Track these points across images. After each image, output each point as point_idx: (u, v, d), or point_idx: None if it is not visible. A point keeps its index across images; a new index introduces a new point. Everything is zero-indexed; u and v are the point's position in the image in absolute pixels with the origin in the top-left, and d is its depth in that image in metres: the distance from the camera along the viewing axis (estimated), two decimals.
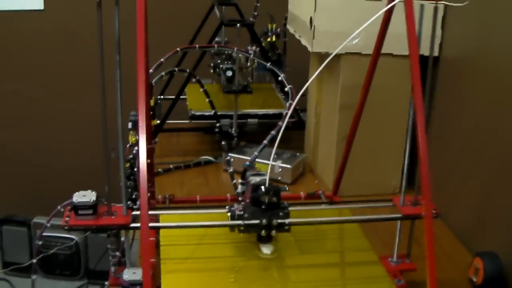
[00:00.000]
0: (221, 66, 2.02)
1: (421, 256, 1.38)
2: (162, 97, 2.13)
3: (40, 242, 1.36)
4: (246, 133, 2.07)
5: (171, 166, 1.95)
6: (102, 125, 1.21)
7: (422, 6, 1.26)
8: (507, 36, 1.43)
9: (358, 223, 1.41)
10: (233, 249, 1.32)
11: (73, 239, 2.69)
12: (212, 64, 2.11)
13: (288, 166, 1.86)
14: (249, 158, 1.83)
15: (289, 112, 1.32)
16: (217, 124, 2.00)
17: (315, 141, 1.96)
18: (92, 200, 1.19)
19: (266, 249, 1.29)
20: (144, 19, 1.12)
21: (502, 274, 1.38)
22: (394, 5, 1.25)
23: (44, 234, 2.64)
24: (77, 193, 1.21)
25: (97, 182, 1.30)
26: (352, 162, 1.53)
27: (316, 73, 1.30)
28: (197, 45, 1.79)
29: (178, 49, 1.69)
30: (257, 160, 1.76)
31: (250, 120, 2.07)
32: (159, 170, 1.92)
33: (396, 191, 1.83)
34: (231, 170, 1.67)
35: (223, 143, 1.79)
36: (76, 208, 1.20)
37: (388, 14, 1.29)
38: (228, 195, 1.64)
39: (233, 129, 2.02)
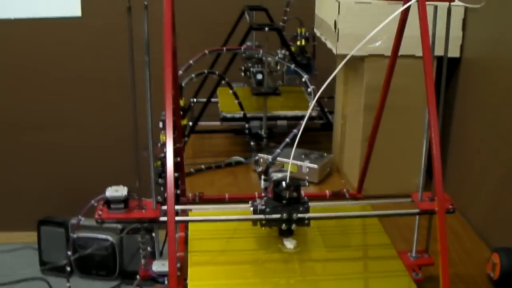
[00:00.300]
0: (251, 69, 2.09)
1: (439, 252, 1.43)
2: (195, 100, 2.20)
3: (75, 235, 1.43)
4: (276, 134, 2.12)
5: (202, 166, 2.01)
6: (132, 124, 1.28)
7: (435, 7, 1.31)
8: None
9: (378, 218, 1.46)
10: (257, 243, 1.38)
11: (109, 240, 2.76)
12: (243, 68, 2.17)
13: (315, 166, 1.92)
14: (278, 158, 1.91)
15: (309, 110, 1.38)
16: (247, 126, 2.06)
17: (341, 142, 2.01)
18: (123, 195, 1.27)
19: (289, 244, 1.35)
20: (171, 21, 1.18)
21: None
22: (409, 6, 1.30)
23: (81, 235, 2.75)
24: (109, 187, 1.28)
25: (130, 182, 1.36)
26: (375, 162, 1.58)
27: (335, 71, 1.35)
28: (224, 47, 1.86)
29: (206, 51, 1.76)
30: (283, 159, 1.84)
31: (279, 122, 2.13)
32: (191, 170, 1.99)
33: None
34: (260, 169, 1.73)
35: (251, 143, 1.86)
36: (109, 202, 1.27)
37: (404, 15, 1.34)
38: (256, 193, 1.69)
39: (263, 130, 2.08)
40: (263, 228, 1.29)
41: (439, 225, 1.18)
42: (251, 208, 1.28)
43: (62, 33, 2.91)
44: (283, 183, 1.27)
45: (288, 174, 1.29)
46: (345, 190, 1.70)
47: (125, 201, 1.28)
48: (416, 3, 1.25)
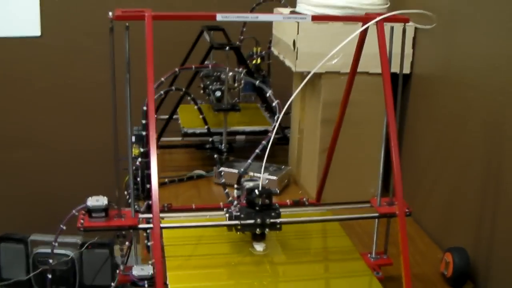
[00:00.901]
0: (210, 87, 2.18)
1: (396, 254, 1.55)
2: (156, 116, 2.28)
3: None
4: (234, 148, 2.22)
5: (166, 180, 2.10)
6: (113, 138, 1.37)
7: (392, 28, 1.43)
8: (468, 54, 1.61)
9: (339, 222, 1.58)
10: (228, 248, 1.48)
11: (69, 255, 2.80)
12: (202, 85, 2.26)
13: (275, 177, 2.02)
14: (236, 171, 2.02)
15: (277, 124, 1.48)
16: (210, 139, 2.15)
17: (298, 155, 2.12)
18: (104, 204, 1.34)
19: (259, 247, 1.46)
20: (151, 42, 1.27)
21: (470, 267, 1.54)
22: (368, 27, 1.41)
23: (40, 251, 2.77)
24: (90, 197, 1.36)
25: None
26: (333, 173, 1.69)
27: (299, 88, 1.47)
28: (193, 65, 1.95)
29: (176, 69, 1.84)
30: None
31: (238, 137, 2.24)
32: None
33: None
34: (223, 180, 1.83)
35: (215, 156, 1.96)
36: (90, 211, 1.35)
37: (363, 35, 1.46)
38: (221, 203, 1.79)
39: (223, 145, 2.17)
40: (238, 233, 1.39)
41: (400, 225, 1.30)
42: (227, 215, 1.37)
43: (22, 52, 2.96)
44: (256, 191, 1.37)
45: (261, 183, 1.39)
46: (304, 199, 1.80)
47: (105, 210, 1.35)
48: (374, 24, 1.37)
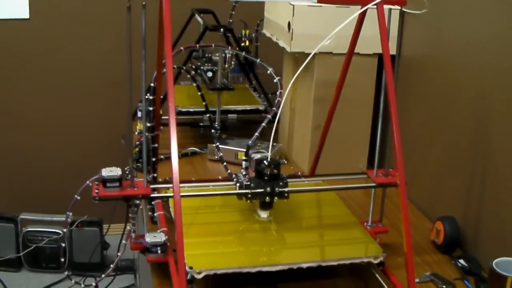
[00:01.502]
0: (202, 67, 2.26)
1: (388, 224, 1.66)
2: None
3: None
4: (227, 127, 2.30)
5: (161, 156, 2.16)
6: (128, 112, 1.44)
7: (390, 10, 1.52)
8: (456, 36, 1.71)
9: (337, 191, 1.70)
10: (234, 216, 1.59)
11: (59, 233, 2.85)
12: (193, 67, 2.33)
13: (268, 154, 2.10)
14: (231, 148, 2.10)
15: (282, 100, 1.57)
16: (207, 115, 2.21)
17: (290, 133, 2.21)
18: (118, 174, 1.41)
19: (264, 214, 1.55)
20: (169, 21, 1.34)
21: (459, 234, 1.65)
22: (366, 10, 1.50)
23: (30, 229, 2.82)
24: (104, 169, 1.42)
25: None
26: (324, 149, 1.78)
27: (302, 66, 1.53)
28: (197, 45, 2.03)
29: (181, 48, 1.92)
30: (240, 150, 2.03)
31: (230, 116, 2.32)
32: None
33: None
34: (221, 154, 1.93)
35: (213, 132, 2.04)
36: (105, 181, 1.41)
37: (362, 16, 1.54)
38: (220, 177, 1.87)
39: (217, 123, 2.25)
40: (242, 201, 1.47)
41: (401, 194, 1.39)
42: (237, 185, 1.46)
43: (10, 35, 2.99)
44: (265, 161, 1.45)
45: (269, 154, 1.47)
46: (299, 173, 1.89)
47: (119, 180, 1.42)
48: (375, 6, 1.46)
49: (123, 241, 1.61)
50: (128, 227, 1.54)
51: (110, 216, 2.48)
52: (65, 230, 1.60)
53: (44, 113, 3.15)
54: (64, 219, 2.78)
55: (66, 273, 2.63)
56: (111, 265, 1.56)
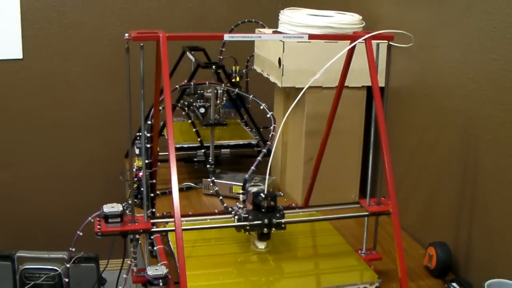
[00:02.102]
0: (194, 104, 2.31)
1: (382, 252, 1.71)
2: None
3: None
4: (221, 161, 2.35)
5: (158, 192, 2.21)
6: (129, 148, 1.48)
7: (378, 45, 1.59)
8: (442, 67, 1.78)
9: (331, 221, 1.75)
10: (233, 248, 1.63)
11: (56, 270, 2.87)
12: (186, 103, 2.38)
13: (264, 186, 2.15)
14: (226, 182, 2.15)
15: (277, 135, 1.63)
16: (202, 151, 2.25)
17: (282, 166, 2.26)
18: (120, 210, 1.46)
19: (261, 245, 1.60)
20: (167, 62, 1.39)
21: (452, 259, 1.70)
22: (355, 45, 1.57)
23: (27, 266, 2.84)
24: (105, 205, 1.47)
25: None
26: (317, 180, 1.84)
27: (296, 100, 1.60)
28: (192, 83, 2.08)
29: (177, 86, 1.97)
30: (235, 184, 2.08)
31: (223, 150, 2.37)
32: None
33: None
34: (216, 188, 1.97)
35: (208, 166, 2.09)
36: (107, 217, 1.46)
37: (351, 51, 1.61)
38: (216, 210, 1.91)
39: (210, 158, 2.30)
40: (240, 233, 1.52)
41: (394, 221, 1.45)
42: (236, 217, 1.51)
43: (3, 75, 3.04)
44: (262, 194, 1.50)
45: (266, 186, 1.53)
46: (293, 204, 1.94)
47: (121, 215, 1.46)
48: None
49: (124, 275, 1.65)
50: (128, 262, 1.59)
51: (108, 252, 2.52)
52: (68, 265, 1.62)
53: (38, 151, 3.19)
54: (61, 256, 2.84)
55: None
56: None
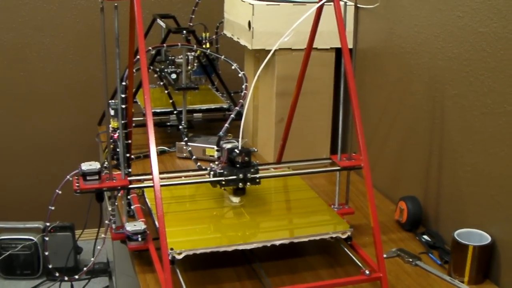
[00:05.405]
0: (165, 70, 2.33)
1: (354, 208, 1.76)
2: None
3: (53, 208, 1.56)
4: (193, 126, 2.38)
5: (132, 156, 2.23)
6: (106, 110, 1.50)
7: (345, 6, 1.62)
8: (409, 26, 1.82)
9: (302, 178, 1.81)
10: (208, 203, 1.67)
11: (32, 239, 2.90)
12: (157, 69, 2.40)
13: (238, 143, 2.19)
14: (199, 145, 2.18)
15: (249, 93, 1.66)
16: (175, 115, 2.28)
17: (254, 128, 2.30)
18: (98, 168, 1.48)
19: (236, 199, 1.65)
20: (141, 20, 1.41)
21: (422, 212, 1.76)
22: (323, 4, 1.60)
23: (3, 237, 2.86)
24: (83, 163, 1.48)
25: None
26: (288, 141, 1.88)
27: (265, 61, 1.62)
28: (164, 44, 2.11)
29: (150, 48, 1.99)
30: (208, 146, 2.11)
31: (195, 115, 2.40)
32: None
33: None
34: (189, 149, 2.01)
35: (181, 130, 2.12)
36: (85, 174, 1.48)
37: (319, 12, 1.64)
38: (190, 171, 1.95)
39: (183, 122, 2.33)
40: (221, 188, 1.55)
41: (366, 175, 1.49)
42: (211, 173, 1.54)
43: None
44: (236, 150, 1.54)
45: (240, 142, 1.56)
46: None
47: (99, 173, 1.48)
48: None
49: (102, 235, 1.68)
50: (106, 222, 1.61)
51: (85, 219, 2.55)
52: (48, 224, 1.64)
53: (11, 123, 3.18)
54: (36, 225, 2.86)
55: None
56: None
